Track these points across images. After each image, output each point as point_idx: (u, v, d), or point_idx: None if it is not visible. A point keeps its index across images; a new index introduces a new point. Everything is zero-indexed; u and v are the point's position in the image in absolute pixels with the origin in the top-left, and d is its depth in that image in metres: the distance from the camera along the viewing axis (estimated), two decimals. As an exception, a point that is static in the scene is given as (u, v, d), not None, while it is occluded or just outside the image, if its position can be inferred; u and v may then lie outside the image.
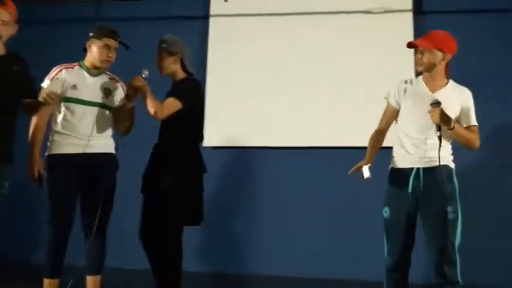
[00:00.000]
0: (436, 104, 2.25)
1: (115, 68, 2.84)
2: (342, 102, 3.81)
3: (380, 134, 2.52)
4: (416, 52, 2.46)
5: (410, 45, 2.47)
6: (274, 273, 3.72)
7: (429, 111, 2.27)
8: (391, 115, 2.50)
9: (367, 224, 3.32)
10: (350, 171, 2.41)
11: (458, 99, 2.38)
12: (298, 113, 3.86)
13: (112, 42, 2.72)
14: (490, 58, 3.70)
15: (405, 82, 2.48)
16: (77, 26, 3.94)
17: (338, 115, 3.78)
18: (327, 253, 3.69)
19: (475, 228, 3.30)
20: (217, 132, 3.92)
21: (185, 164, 2.69)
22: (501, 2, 3.75)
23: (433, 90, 2.40)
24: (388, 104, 2.51)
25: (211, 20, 4.11)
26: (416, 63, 2.46)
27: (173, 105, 2.64)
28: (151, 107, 2.58)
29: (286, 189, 3.85)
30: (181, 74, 2.79)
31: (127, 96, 2.64)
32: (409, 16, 3.83)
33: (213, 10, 4.12)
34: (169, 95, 2.68)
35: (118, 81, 2.84)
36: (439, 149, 2.26)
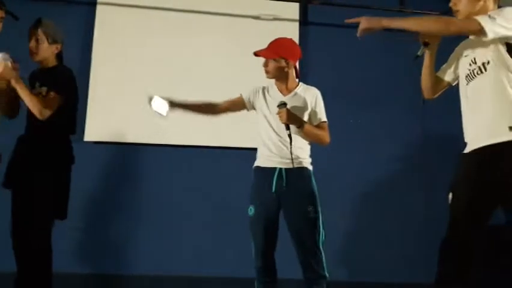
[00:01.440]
0: (283, 105, 2.40)
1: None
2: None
3: (215, 107, 2.61)
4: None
5: (255, 54, 2.57)
6: (153, 273, 3.65)
7: (277, 113, 2.41)
8: (236, 103, 2.62)
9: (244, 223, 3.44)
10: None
11: (307, 99, 2.55)
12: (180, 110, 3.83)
13: None
14: (374, 69, 4.00)
15: (263, 88, 2.62)
16: None
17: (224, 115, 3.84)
18: (208, 252, 3.72)
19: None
20: (99, 127, 3.75)
21: (57, 157, 2.56)
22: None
23: (285, 93, 2.55)
24: (240, 94, 2.62)
25: (98, 8, 3.92)
26: (265, 71, 2.58)
27: (56, 101, 2.51)
28: (34, 106, 2.42)
29: (168, 188, 3.79)
30: (53, 61, 2.64)
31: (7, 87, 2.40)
32: (296, 25, 4.03)
33: (100, -3, 3.94)
34: (46, 85, 2.52)
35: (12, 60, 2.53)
36: (290, 147, 2.40)
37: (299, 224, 2.44)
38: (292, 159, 2.41)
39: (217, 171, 3.83)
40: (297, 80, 2.62)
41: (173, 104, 2.48)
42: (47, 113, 2.47)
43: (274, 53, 2.51)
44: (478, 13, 1.99)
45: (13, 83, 2.42)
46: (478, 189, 1.91)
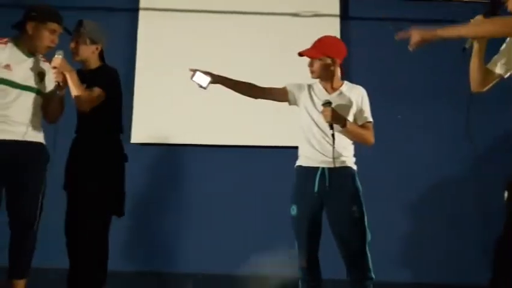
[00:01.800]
0: (327, 104, 2.36)
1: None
2: (269, 103, 3.86)
3: (256, 88, 2.55)
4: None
5: (300, 54, 2.52)
6: (199, 271, 3.70)
7: (321, 111, 2.38)
8: (279, 93, 2.57)
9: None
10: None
11: (353, 98, 2.49)
12: (227, 111, 3.85)
13: (57, 27, 2.55)
14: (411, 64, 3.91)
15: (308, 86, 2.58)
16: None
17: (265, 115, 3.83)
18: (254, 250, 3.74)
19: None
20: (145, 129, 3.85)
21: (110, 156, 2.65)
22: (424, 12, 3.98)
23: (330, 92, 2.52)
24: (285, 86, 2.58)
25: (141, 14, 4.01)
26: (310, 71, 2.54)
27: (100, 96, 2.59)
28: (79, 97, 2.50)
29: (213, 188, 3.83)
30: (96, 62, 2.72)
31: (59, 85, 2.49)
32: (336, 21, 3.96)
33: (142, 3, 4.03)
34: (93, 83, 2.59)
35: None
36: (333, 147, 2.36)
37: (343, 225, 2.40)
38: (334, 158, 2.37)
39: (262, 170, 3.82)
40: (340, 78, 2.57)
41: (214, 78, 2.46)
42: (90, 106, 2.55)
43: (320, 52, 2.47)
44: None
45: (67, 74, 2.49)
46: None
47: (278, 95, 2.58)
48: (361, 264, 2.37)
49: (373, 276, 2.39)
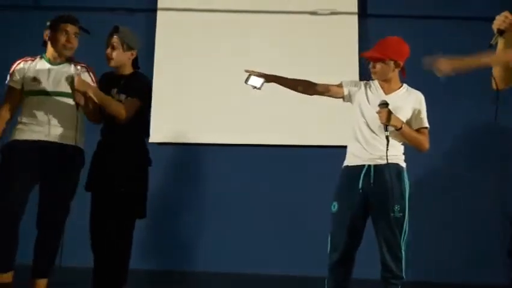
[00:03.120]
0: (384, 104, 2.33)
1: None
2: (287, 101, 3.84)
3: (312, 85, 2.50)
4: (369, 61, 2.50)
5: (362, 56, 2.52)
6: (220, 270, 3.70)
7: (377, 112, 2.35)
8: (335, 89, 2.52)
9: (309, 222, 3.40)
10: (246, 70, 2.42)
11: (410, 102, 2.47)
12: (243, 110, 3.86)
13: (70, 27, 2.60)
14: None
15: (365, 84, 2.55)
16: (16, 14, 3.75)
17: (283, 114, 3.81)
18: (272, 250, 3.74)
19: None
20: (163, 128, 3.86)
21: (139, 160, 2.70)
22: (443, 9, 3.92)
23: (387, 92, 2.48)
24: (341, 82, 2.54)
25: (159, 14, 4.04)
26: (371, 72, 2.50)
27: (136, 105, 2.65)
28: (115, 110, 2.58)
29: (231, 187, 3.84)
30: (130, 68, 2.75)
31: (78, 106, 2.57)
32: (354, 19, 3.93)
33: (160, 3, 4.05)
34: (125, 92, 2.65)
35: (87, 70, 2.70)
36: (387, 149, 2.32)
37: (384, 223, 2.36)
38: (387, 159, 2.34)
39: (280, 169, 3.82)
40: (400, 80, 2.53)
41: (269, 77, 2.44)
42: (127, 115, 2.60)
43: (385, 55, 2.43)
44: None
45: (90, 94, 2.56)
46: None
47: (333, 92, 2.53)
48: (395, 263, 2.35)
49: (403, 275, 2.37)
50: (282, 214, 3.77)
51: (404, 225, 2.37)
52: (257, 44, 3.95)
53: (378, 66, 2.45)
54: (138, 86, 2.70)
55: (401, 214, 2.35)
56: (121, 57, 2.69)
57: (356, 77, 3.57)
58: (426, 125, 2.48)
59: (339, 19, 3.93)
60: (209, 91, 3.93)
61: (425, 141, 2.46)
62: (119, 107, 2.60)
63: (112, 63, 2.71)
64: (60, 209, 2.50)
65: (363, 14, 3.99)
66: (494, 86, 2.13)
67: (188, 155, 3.97)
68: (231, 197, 3.82)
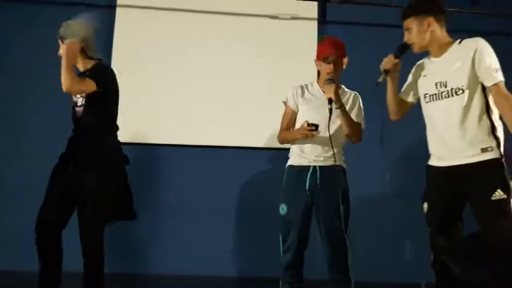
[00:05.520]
0: (331, 80, 2.42)
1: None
2: (248, 103, 3.88)
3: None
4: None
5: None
6: (179, 273, 3.67)
7: (324, 86, 2.43)
8: (291, 117, 2.60)
9: (266, 223, 3.43)
10: None
11: (349, 101, 2.56)
12: (205, 111, 3.86)
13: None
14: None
15: (301, 86, 2.62)
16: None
17: (243, 116, 3.85)
18: (232, 252, 3.74)
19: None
20: (123, 128, 3.78)
21: (113, 158, 2.57)
22: (395, 18, 4.05)
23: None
24: (287, 107, 2.61)
25: (118, 10, 3.96)
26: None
27: (87, 86, 2.47)
28: (63, 77, 2.39)
29: (192, 188, 3.82)
30: (84, 58, 2.62)
31: None
32: (314, 24, 4.03)
33: (119, 0, 3.98)
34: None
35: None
36: (329, 122, 2.38)
37: (330, 223, 2.41)
38: (332, 147, 2.38)
39: (238, 170, 3.83)
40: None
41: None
42: (70, 89, 2.43)
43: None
44: None
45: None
46: None
47: (293, 120, 2.61)
48: (341, 263, 2.39)
49: (351, 277, 2.41)
50: (238, 216, 3.79)
51: (349, 225, 2.42)
52: (217, 45, 3.95)
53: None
54: (98, 70, 2.57)
55: (347, 214, 2.42)
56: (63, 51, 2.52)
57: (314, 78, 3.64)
58: (362, 122, 2.58)
59: (300, 24, 4.01)
60: (169, 91, 3.89)
61: (360, 131, 2.55)
62: (68, 76, 2.41)
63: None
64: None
65: (322, 20, 4.09)
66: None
67: (148, 155, 3.91)
68: (192, 198, 3.80)
